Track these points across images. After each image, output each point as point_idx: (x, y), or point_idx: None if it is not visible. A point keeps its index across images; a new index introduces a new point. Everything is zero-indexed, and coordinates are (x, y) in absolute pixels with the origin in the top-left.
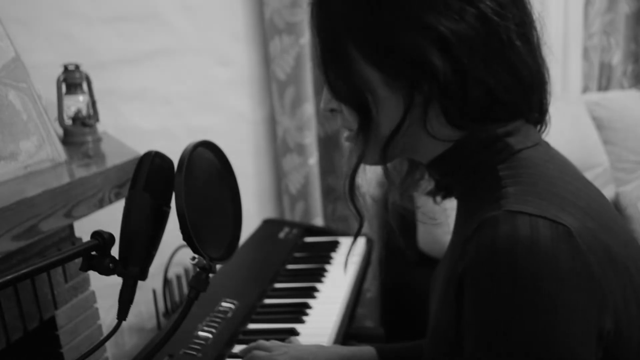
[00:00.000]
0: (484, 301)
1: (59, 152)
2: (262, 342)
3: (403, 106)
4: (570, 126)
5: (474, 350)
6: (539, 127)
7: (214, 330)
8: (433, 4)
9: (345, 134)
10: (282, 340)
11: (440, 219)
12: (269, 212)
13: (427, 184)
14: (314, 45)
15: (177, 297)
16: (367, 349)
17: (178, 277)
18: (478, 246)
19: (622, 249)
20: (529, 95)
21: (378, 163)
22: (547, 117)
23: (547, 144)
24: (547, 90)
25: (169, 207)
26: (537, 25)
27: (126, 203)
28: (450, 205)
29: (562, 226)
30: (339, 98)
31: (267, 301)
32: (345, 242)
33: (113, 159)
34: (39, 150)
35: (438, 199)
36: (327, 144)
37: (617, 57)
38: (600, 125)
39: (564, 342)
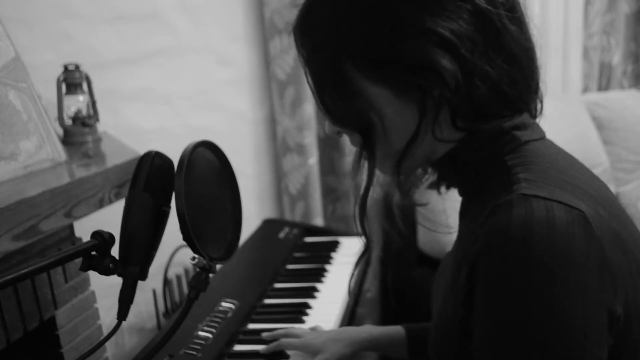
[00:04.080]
0: (497, 284)
1: (59, 152)
2: (291, 329)
3: (418, 115)
4: (570, 126)
5: (486, 334)
6: (535, 106)
7: (214, 330)
8: (428, 7)
9: (355, 154)
10: None
11: (441, 220)
12: (269, 212)
13: (431, 178)
14: (305, 74)
15: (177, 297)
16: (397, 328)
17: (178, 277)
18: (492, 229)
19: (631, 239)
20: (527, 81)
21: (392, 176)
22: (541, 94)
23: (551, 141)
24: (538, 67)
25: (169, 207)
26: (521, 1)
27: (126, 203)
28: (450, 205)
29: (576, 210)
30: (340, 124)
31: (267, 301)
32: (345, 242)
33: (113, 159)
34: (39, 150)
35: (442, 189)
36: (327, 144)
37: (617, 57)
38: (600, 125)
39: (576, 325)
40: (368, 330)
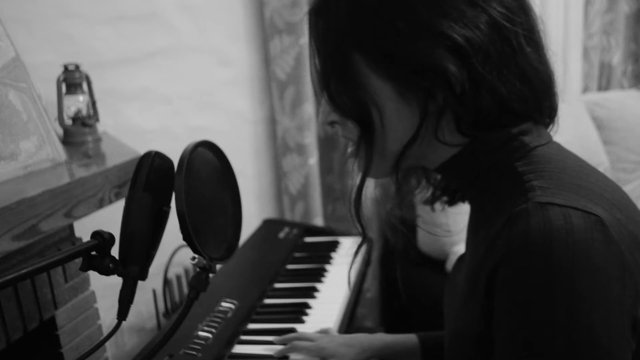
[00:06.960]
0: (519, 294)
1: (59, 152)
2: (304, 333)
3: (418, 117)
4: (570, 126)
5: (509, 344)
6: (548, 128)
7: (214, 330)
8: (446, 11)
9: (349, 148)
10: None
11: (441, 221)
12: (269, 212)
13: (424, 191)
14: (312, 57)
15: (177, 297)
16: (410, 337)
17: (178, 277)
18: (510, 240)
19: None
20: (539, 102)
21: (386, 176)
22: (556, 118)
23: (558, 144)
24: (556, 93)
25: (169, 207)
26: (541, 27)
27: (126, 203)
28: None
29: (593, 216)
30: (342, 113)
31: (267, 301)
32: (345, 242)
33: (113, 159)
34: (39, 150)
35: (437, 206)
36: (327, 144)
37: (617, 57)
38: (600, 125)
39: (600, 331)
40: (381, 337)
